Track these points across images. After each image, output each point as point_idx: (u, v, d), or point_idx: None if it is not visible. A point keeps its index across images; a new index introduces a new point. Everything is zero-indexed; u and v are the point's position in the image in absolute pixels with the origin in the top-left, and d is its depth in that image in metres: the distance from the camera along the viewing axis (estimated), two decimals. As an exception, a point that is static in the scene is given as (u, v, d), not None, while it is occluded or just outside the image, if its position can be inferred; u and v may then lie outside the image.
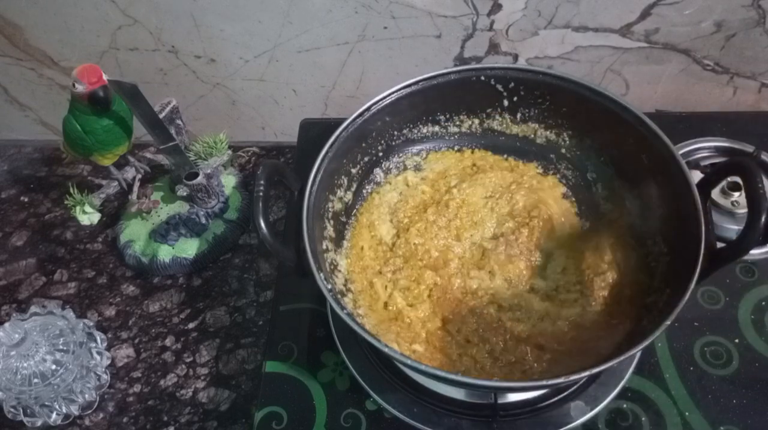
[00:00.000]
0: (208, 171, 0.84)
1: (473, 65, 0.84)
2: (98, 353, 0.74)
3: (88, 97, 0.70)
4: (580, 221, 0.75)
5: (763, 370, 0.68)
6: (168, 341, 0.79)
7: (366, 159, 0.76)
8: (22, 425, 0.71)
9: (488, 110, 0.78)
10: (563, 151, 0.78)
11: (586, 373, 0.53)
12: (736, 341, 0.70)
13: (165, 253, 0.84)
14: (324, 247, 0.69)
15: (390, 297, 0.69)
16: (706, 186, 0.62)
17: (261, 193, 0.60)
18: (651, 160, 0.67)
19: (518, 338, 0.65)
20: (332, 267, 0.69)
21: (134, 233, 0.87)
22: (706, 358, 0.69)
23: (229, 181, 0.92)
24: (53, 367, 0.69)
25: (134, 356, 0.78)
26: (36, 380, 0.68)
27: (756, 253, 0.76)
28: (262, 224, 0.58)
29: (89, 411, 0.73)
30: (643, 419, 0.65)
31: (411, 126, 0.78)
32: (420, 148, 0.80)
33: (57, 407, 0.70)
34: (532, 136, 0.79)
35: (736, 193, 0.78)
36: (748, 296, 0.73)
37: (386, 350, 0.55)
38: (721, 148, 0.86)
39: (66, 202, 0.82)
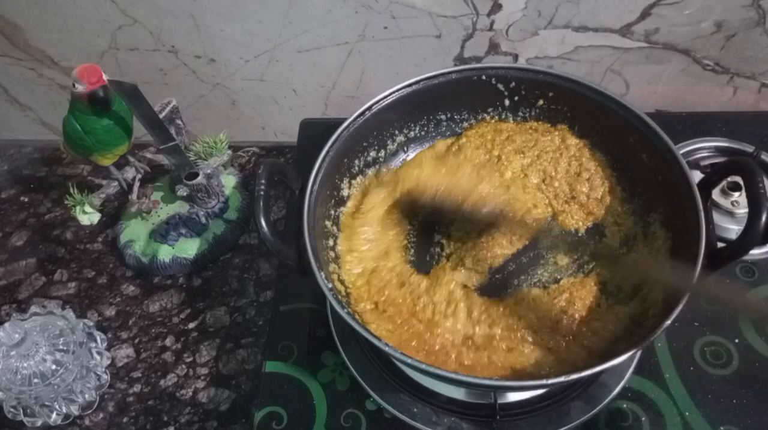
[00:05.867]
0: (208, 171, 0.83)
1: (474, 65, 0.84)
2: (98, 353, 0.74)
3: (88, 97, 0.70)
4: None
5: (763, 370, 0.68)
6: (168, 341, 0.79)
7: (367, 158, 0.76)
8: (22, 425, 0.71)
9: (489, 110, 0.78)
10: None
11: (586, 373, 0.53)
12: (736, 341, 0.70)
13: (165, 253, 0.84)
14: (324, 245, 0.69)
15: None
16: (706, 186, 0.63)
17: (262, 192, 0.60)
18: (651, 160, 0.68)
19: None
20: (333, 266, 0.69)
21: (134, 233, 0.87)
22: (706, 358, 0.69)
23: (229, 181, 0.92)
24: (53, 367, 0.69)
25: (134, 356, 0.78)
26: (36, 380, 0.68)
27: (756, 253, 0.76)
28: (263, 223, 0.59)
29: (89, 411, 0.73)
30: (643, 419, 0.65)
31: (412, 125, 0.78)
32: (421, 147, 0.80)
33: (57, 407, 0.70)
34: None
35: (736, 193, 0.78)
36: (748, 296, 0.73)
37: (387, 349, 0.55)
38: (721, 148, 0.86)
39: (66, 202, 0.82)
